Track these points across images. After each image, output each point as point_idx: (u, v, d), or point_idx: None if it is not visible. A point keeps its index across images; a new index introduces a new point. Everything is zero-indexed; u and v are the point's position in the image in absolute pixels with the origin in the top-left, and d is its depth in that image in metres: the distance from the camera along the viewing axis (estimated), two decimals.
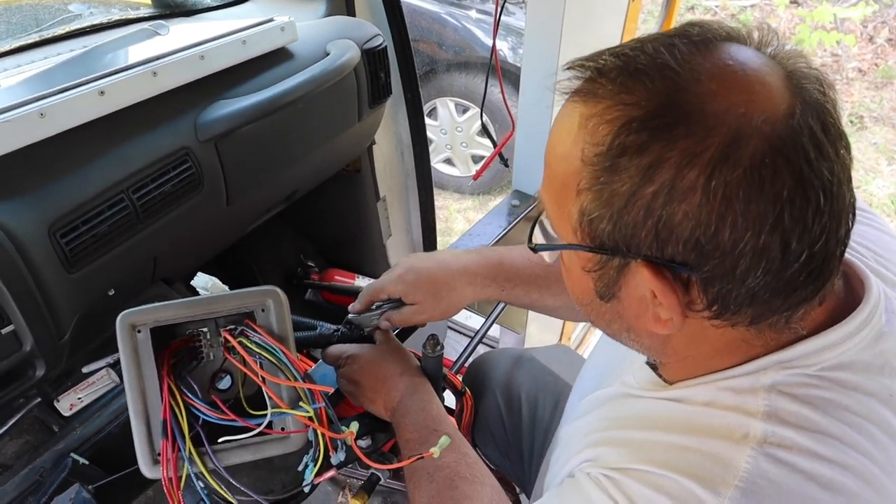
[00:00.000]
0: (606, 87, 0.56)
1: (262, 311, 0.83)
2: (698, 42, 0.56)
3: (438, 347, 1.01)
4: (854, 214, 0.57)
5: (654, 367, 0.75)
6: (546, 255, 0.69)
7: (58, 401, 1.22)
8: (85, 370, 1.26)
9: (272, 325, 0.82)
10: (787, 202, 0.51)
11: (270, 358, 0.80)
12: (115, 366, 1.26)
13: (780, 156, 0.51)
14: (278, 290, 0.83)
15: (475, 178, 1.76)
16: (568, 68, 0.60)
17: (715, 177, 0.51)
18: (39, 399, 1.22)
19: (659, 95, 0.53)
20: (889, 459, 0.60)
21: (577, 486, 0.66)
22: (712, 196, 0.51)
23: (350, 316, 1.11)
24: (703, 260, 0.54)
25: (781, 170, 0.51)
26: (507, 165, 1.80)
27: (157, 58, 1.19)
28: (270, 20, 1.37)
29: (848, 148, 0.56)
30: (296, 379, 0.79)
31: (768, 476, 0.56)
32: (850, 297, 0.65)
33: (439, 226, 2.27)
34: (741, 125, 0.51)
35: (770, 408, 0.59)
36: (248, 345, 0.82)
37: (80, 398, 1.27)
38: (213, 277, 0.92)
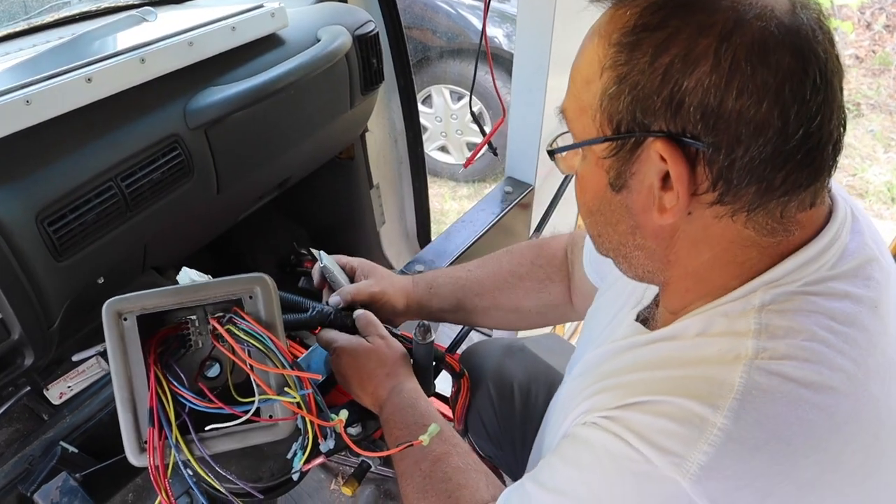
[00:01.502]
0: None
1: (250, 297, 0.82)
2: None
3: (429, 335, 1.01)
4: (845, 127, 0.63)
5: (644, 321, 0.79)
6: (560, 164, 0.75)
7: (47, 389, 1.22)
8: (75, 359, 1.25)
9: (260, 312, 0.82)
10: (788, 74, 0.57)
11: (258, 345, 0.79)
12: (106, 354, 1.26)
13: (784, 31, 0.58)
14: (266, 276, 0.83)
15: (465, 165, 1.76)
16: None
17: (724, 44, 0.57)
18: (29, 388, 1.22)
19: None
20: (873, 365, 0.63)
21: (576, 439, 0.67)
22: (722, 61, 0.57)
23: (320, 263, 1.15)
24: (709, 129, 0.59)
25: (784, 43, 0.58)
26: (496, 154, 1.79)
27: (146, 44, 1.18)
28: (260, 6, 1.36)
29: (839, 59, 0.62)
30: (283, 366, 0.78)
31: (762, 387, 0.60)
32: (827, 220, 0.69)
33: (433, 213, 2.26)
34: (750, 6, 0.59)
35: (759, 325, 0.63)
36: (236, 332, 0.81)
37: (69, 387, 1.27)
38: (198, 273, 0.91)
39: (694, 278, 0.69)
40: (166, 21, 1.33)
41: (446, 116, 3.89)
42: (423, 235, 2.16)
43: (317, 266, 1.15)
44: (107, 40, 1.24)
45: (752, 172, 0.60)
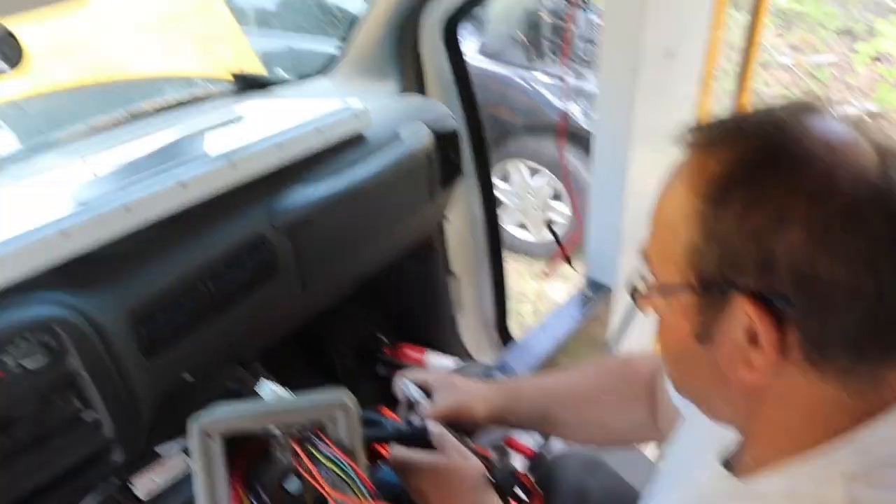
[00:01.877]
0: (723, 135, 0.63)
1: (331, 422, 0.82)
2: (803, 108, 0.63)
3: (506, 458, 0.98)
4: None
5: (728, 465, 0.75)
6: (642, 304, 0.72)
7: (131, 483, 1.23)
8: (158, 450, 1.27)
9: (341, 438, 0.81)
10: (882, 240, 0.56)
11: (338, 472, 0.79)
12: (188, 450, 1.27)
13: (876, 197, 0.56)
14: (348, 400, 0.82)
15: (545, 276, 1.73)
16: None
17: (817, 208, 0.56)
18: (119, 482, 1.23)
19: (769, 140, 0.60)
20: None
21: None
22: (816, 226, 0.56)
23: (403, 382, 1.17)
24: (800, 292, 0.57)
25: (877, 210, 0.56)
26: (570, 264, 1.74)
27: (237, 150, 1.23)
28: (346, 108, 1.40)
29: None
30: (363, 495, 0.77)
31: None
32: None
33: (511, 290, 2.24)
34: (841, 168, 0.57)
35: (850, 498, 0.59)
36: (317, 455, 0.81)
37: (153, 479, 1.27)
38: (277, 385, 0.91)
39: (779, 432, 0.67)
40: (254, 119, 1.38)
41: (524, 192, 3.89)
42: (501, 323, 2.14)
43: (402, 395, 1.15)
44: (200, 145, 1.30)
45: (844, 339, 0.58)
